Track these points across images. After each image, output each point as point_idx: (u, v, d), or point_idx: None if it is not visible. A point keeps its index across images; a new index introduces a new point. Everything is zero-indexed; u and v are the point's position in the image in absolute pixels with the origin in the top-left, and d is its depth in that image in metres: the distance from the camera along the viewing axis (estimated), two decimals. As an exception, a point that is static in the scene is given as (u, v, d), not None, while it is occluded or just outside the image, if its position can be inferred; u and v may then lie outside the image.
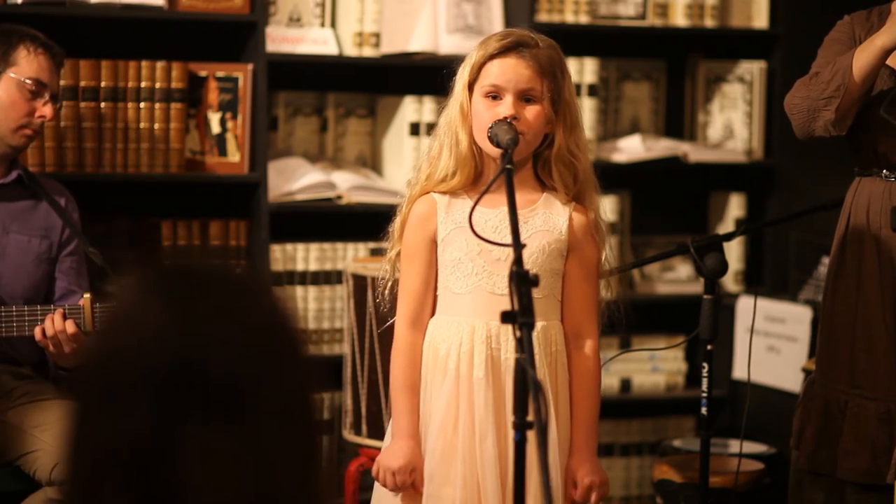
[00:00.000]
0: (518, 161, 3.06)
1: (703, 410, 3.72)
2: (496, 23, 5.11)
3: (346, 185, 4.88)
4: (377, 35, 4.95)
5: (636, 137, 5.34)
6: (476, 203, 2.89)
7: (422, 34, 5.02)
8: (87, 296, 3.71)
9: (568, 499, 3.13)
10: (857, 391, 3.61)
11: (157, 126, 4.60)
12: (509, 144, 2.97)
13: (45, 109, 3.86)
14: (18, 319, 3.71)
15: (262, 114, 4.75)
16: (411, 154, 4.98)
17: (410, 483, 3.10)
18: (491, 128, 3.02)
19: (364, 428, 4.41)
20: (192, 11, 4.68)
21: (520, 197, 3.08)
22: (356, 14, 4.92)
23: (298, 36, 4.92)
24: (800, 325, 4.97)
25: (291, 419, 1.39)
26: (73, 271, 3.95)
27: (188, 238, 4.69)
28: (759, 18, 5.45)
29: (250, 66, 4.73)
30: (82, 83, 4.50)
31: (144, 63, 4.59)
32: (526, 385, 2.55)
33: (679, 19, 5.34)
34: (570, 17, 5.15)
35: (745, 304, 5.17)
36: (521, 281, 2.62)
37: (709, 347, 3.70)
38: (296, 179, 4.84)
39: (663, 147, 5.34)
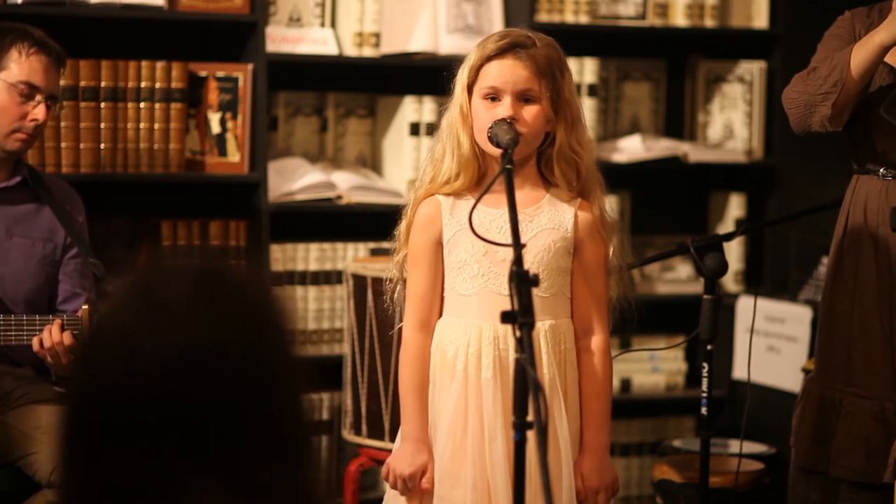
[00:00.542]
0: (520, 160, 3.06)
1: (703, 410, 3.72)
2: (496, 23, 5.10)
3: (346, 185, 4.88)
4: (377, 35, 4.95)
5: (636, 137, 5.34)
6: (476, 203, 2.89)
7: (422, 34, 5.02)
8: (85, 307, 3.69)
9: (580, 497, 3.13)
10: (853, 389, 3.61)
11: (157, 126, 4.60)
12: (509, 144, 2.97)
13: (37, 112, 3.82)
14: (17, 329, 3.70)
15: (262, 114, 4.75)
16: (411, 154, 4.98)
17: (421, 486, 3.11)
18: (491, 128, 3.03)
19: (364, 428, 4.40)
20: (192, 11, 4.68)
21: (524, 195, 3.09)
22: (356, 14, 4.92)
23: (298, 36, 4.92)
24: (800, 325, 4.97)
25: (283, 449, 1.35)
26: (76, 273, 3.94)
27: (188, 238, 4.69)
28: (759, 18, 5.45)
29: (250, 66, 4.73)
30: (82, 83, 4.50)
31: (144, 63, 4.59)
32: (526, 385, 2.55)
33: (679, 19, 5.34)
34: (570, 17, 5.15)
35: (745, 304, 5.17)
36: (521, 281, 2.62)
37: (709, 347, 3.70)
38: (296, 179, 4.83)
39: (663, 147, 5.34)
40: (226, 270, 1.40)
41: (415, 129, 4.97)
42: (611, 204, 5.21)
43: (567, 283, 3.14)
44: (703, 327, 3.69)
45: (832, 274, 3.69)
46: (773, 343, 5.06)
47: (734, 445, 4.71)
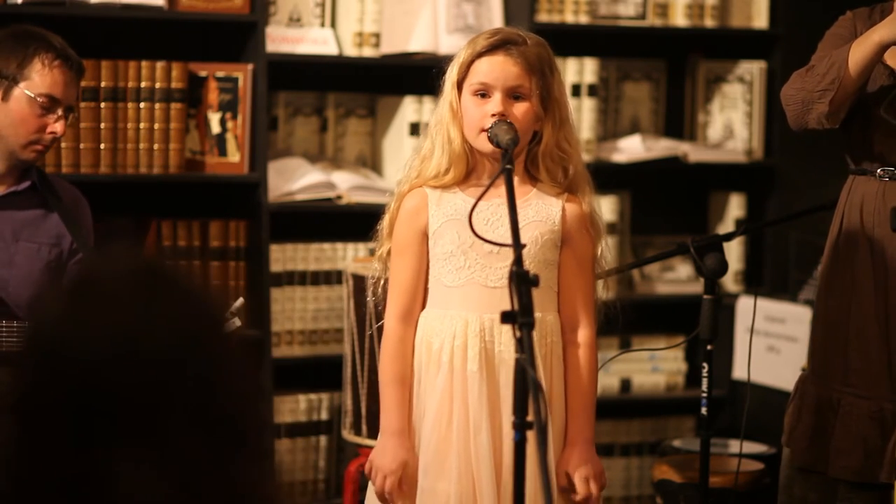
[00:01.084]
0: None
1: (703, 410, 3.72)
2: (496, 23, 5.10)
3: (346, 185, 4.89)
4: (377, 35, 4.95)
5: (636, 137, 5.34)
6: (475, 204, 2.89)
7: (422, 34, 5.02)
8: None
9: (561, 490, 3.12)
10: (850, 389, 3.61)
11: (157, 126, 4.60)
12: (509, 144, 2.98)
13: (57, 126, 3.77)
14: (20, 335, 3.70)
15: (262, 114, 4.75)
16: (411, 154, 4.98)
17: (400, 480, 3.10)
18: (491, 128, 3.03)
19: (364, 428, 4.41)
20: (192, 11, 4.68)
21: None
22: (356, 14, 4.92)
23: (298, 36, 4.92)
24: (800, 325, 4.97)
25: (223, 442, 1.36)
26: None
27: (188, 238, 4.69)
28: (759, 18, 5.45)
29: (250, 66, 4.73)
30: (82, 83, 4.49)
31: (144, 63, 4.59)
32: (526, 385, 2.55)
33: (679, 19, 5.34)
34: (570, 17, 5.15)
35: (745, 304, 5.17)
36: (521, 280, 2.63)
37: (709, 347, 3.70)
38: (296, 179, 4.84)
39: (663, 147, 5.34)
40: (162, 268, 1.41)
41: (415, 129, 4.97)
42: (611, 204, 5.26)
43: (554, 276, 3.14)
44: (703, 327, 3.69)
45: (828, 274, 3.69)
46: (773, 343, 5.06)
47: (734, 445, 4.71)
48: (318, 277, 4.90)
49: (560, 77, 3.17)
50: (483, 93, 3.09)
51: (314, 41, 4.94)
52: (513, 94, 3.08)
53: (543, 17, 5.10)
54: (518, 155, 3.12)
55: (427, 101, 4.96)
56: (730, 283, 5.38)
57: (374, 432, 4.36)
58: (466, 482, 3.05)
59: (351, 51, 4.94)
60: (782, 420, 3.78)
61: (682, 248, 3.78)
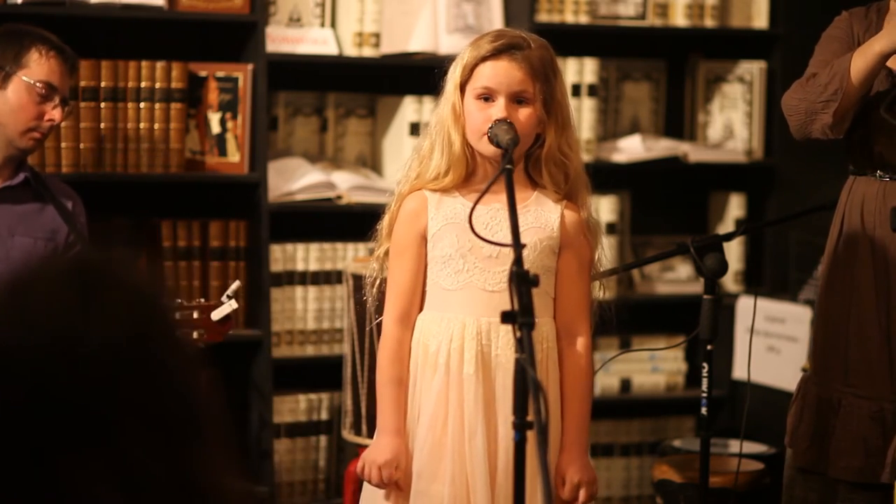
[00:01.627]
0: None
1: (703, 410, 3.72)
2: (496, 23, 5.10)
3: (346, 185, 4.89)
4: (377, 35, 4.95)
5: (636, 137, 5.34)
6: (475, 204, 2.89)
7: (422, 34, 5.02)
8: None
9: (556, 497, 3.12)
10: (851, 390, 3.61)
11: (157, 126, 4.60)
12: (509, 145, 2.98)
13: (55, 113, 3.85)
14: None
15: (262, 114, 4.75)
16: (411, 153, 4.98)
17: (395, 479, 3.09)
18: (491, 128, 3.03)
19: (364, 428, 4.41)
20: (192, 11, 4.68)
21: None
22: (356, 14, 4.92)
23: (298, 36, 4.92)
24: (800, 325, 4.97)
25: (176, 441, 1.33)
26: None
27: (188, 238, 4.69)
28: (759, 18, 5.45)
29: (250, 66, 4.73)
30: (82, 83, 4.50)
31: (144, 63, 4.59)
32: (526, 385, 2.55)
33: (679, 19, 5.34)
34: (570, 17, 5.15)
35: (745, 304, 5.17)
36: (521, 281, 2.63)
37: (709, 347, 3.70)
38: (296, 179, 4.84)
39: (663, 147, 5.34)
40: (100, 265, 1.39)
41: (415, 129, 4.97)
42: (611, 204, 5.26)
43: (551, 282, 3.14)
44: (703, 327, 3.68)
45: (828, 275, 3.69)
46: (773, 343, 5.06)
47: (734, 445, 4.71)
48: (318, 277, 4.90)
49: (562, 79, 3.16)
50: (487, 97, 3.08)
51: (314, 41, 4.94)
52: (516, 99, 3.08)
53: (543, 17, 5.10)
54: (519, 160, 3.12)
55: (427, 101, 4.95)
56: (730, 283, 5.37)
57: (373, 432, 4.36)
58: (460, 485, 3.05)
59: (351, 51, 4.94)
60: (782, 420, 3.78)
61: (682, 248, 3.78)
